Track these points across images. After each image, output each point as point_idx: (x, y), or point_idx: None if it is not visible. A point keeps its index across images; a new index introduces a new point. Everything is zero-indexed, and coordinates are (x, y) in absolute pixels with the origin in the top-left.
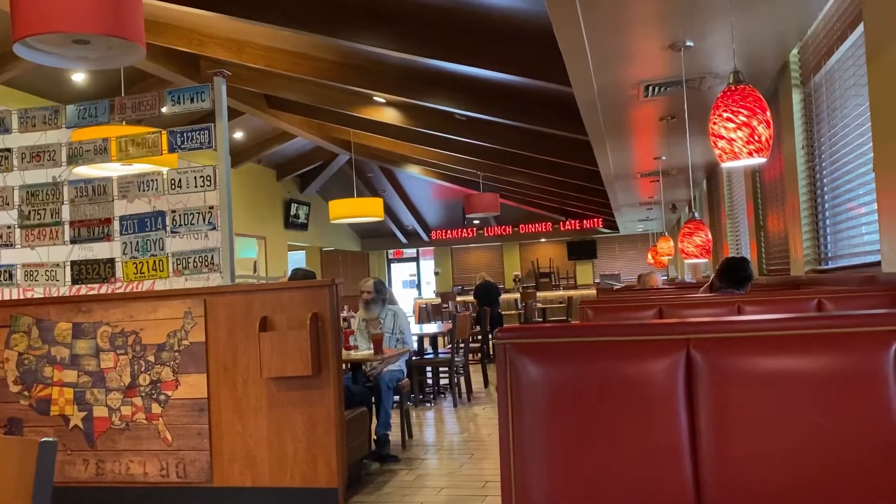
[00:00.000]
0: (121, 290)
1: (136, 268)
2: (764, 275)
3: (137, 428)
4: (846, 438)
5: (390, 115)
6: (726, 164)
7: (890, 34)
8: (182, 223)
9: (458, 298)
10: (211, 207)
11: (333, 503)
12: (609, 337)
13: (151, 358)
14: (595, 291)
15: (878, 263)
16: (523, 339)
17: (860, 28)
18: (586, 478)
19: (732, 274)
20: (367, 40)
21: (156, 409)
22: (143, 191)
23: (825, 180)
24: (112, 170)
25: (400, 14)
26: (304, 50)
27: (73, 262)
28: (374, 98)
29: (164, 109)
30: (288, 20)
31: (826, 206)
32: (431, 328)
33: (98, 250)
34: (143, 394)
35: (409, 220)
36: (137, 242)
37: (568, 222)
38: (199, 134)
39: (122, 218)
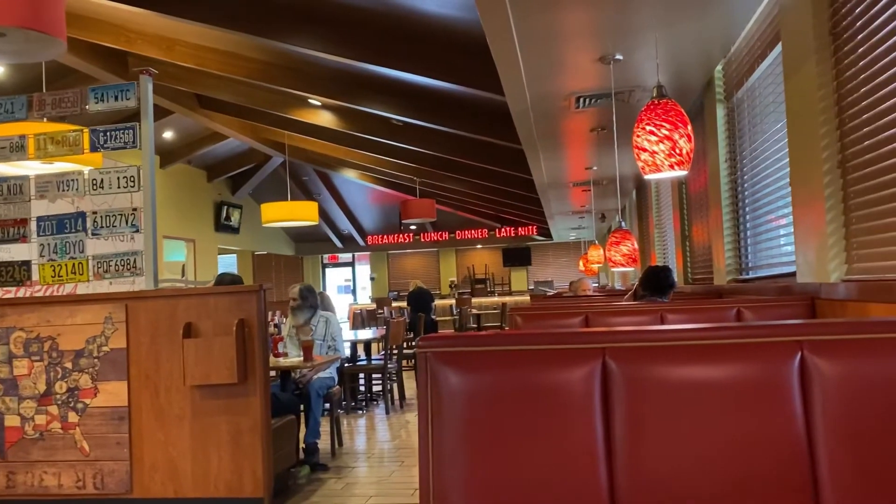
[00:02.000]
0: (40, 294)
1: (53, 270)
2: (689, 284)
3: (52, 438)
4: (755, 447)
5: (326, 119)
6: (649, 176)
7: (805, 55)
8: (104, 225)
9: (394, 304)
10: (134, 209)
11: None
12: (527, 346)
13: (69, 364)
14: (529, 297)
15: (794, 274)
16: (444, 348)
17: (779, 47)
18: (504, 486)
19: (655, 282)
20: (301, 42)
21: (73, 417)
22: (63, 191)
23: (746, 193)
24: (32, 168)
25: (335, 17)
26: (237, 49)
27: None
28: (310, 100)
29: (87, 107)
30: (219, 18)
31: (747, 217)
32: (366, 334)
33: (17, 252)
34: (60, 402)
35: (345, 225)
36: (55, 244)
37: (503, 229)
38: (123, 133)
39: (39, 219)
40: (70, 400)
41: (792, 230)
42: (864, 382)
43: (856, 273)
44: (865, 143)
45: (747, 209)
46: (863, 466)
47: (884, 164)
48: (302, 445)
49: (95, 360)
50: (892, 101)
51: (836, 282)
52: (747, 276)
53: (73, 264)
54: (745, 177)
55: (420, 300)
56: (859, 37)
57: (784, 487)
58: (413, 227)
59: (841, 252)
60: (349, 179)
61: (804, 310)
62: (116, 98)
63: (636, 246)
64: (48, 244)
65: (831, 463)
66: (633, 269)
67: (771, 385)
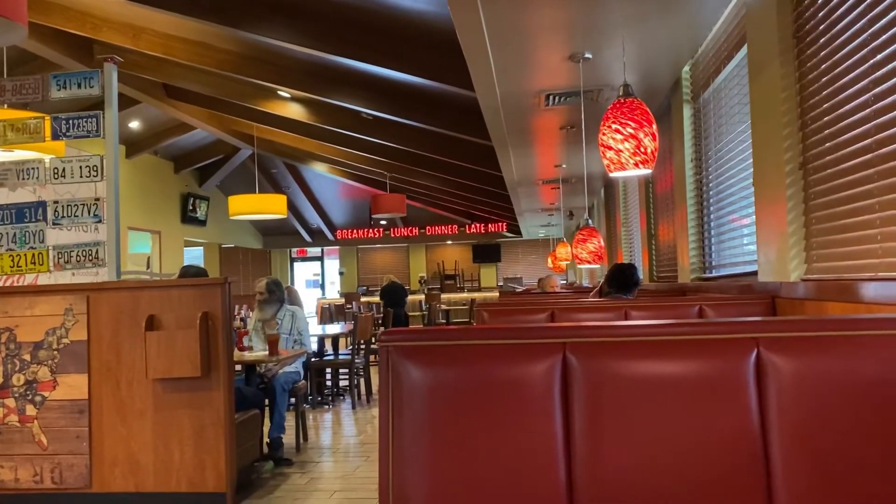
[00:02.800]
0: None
1: (12, 261)
2: (654, 281)
3: (9, 431)
4: (711, 441)
5: (296, 111)
6: (614, 174)
7: (770, 57)
8: (65, 215)
9: (363, 299)
10: (97, 199)
11: None
12: (488, 340)
13: (27, 357)
14: (498, 294)
15: (756, 273)
16: (406, 343)
17: (745, 49)
18: (463, 481)
19: (620, 279)
20: (271, 34)
21: (30, 410)
22: (24, 179)
23: (711, 193)
24: None
25: (307, 8)
26: (206, 39)
27: None
28: (279, 92)
29: (49, 94)
30: (188, 8)
31: (711, 217)
32: (334, 329)
33: None
34: (17, 395)
35: (314, 219)
36: (14, 234)
37: (474, 226)
38: (86, 121)
39: None
40: (28, 392)
41: (754, 230)
42: (817, 379)
43: (815, 273)
44: (826, 144)
45: (712, 209)
46: (815, 461)
47: (843, 167)
48: (266, 440)
49: (55, 352)
50: (852, 103)
51: (795, 281)
52: (710, 275)
53: (33, 254)
54: (710, 177)
55: (394, 295)
56: (822, 40)
57: (738, 482)
58: (383, 223)
59: (801, 252)
60: (319, 173)
61: (764, 308)
62: (80, 86)
63: (602, 243)
64: (7, 233)
65: (784, 458)
66: (599, 265)
67: (727, 381)
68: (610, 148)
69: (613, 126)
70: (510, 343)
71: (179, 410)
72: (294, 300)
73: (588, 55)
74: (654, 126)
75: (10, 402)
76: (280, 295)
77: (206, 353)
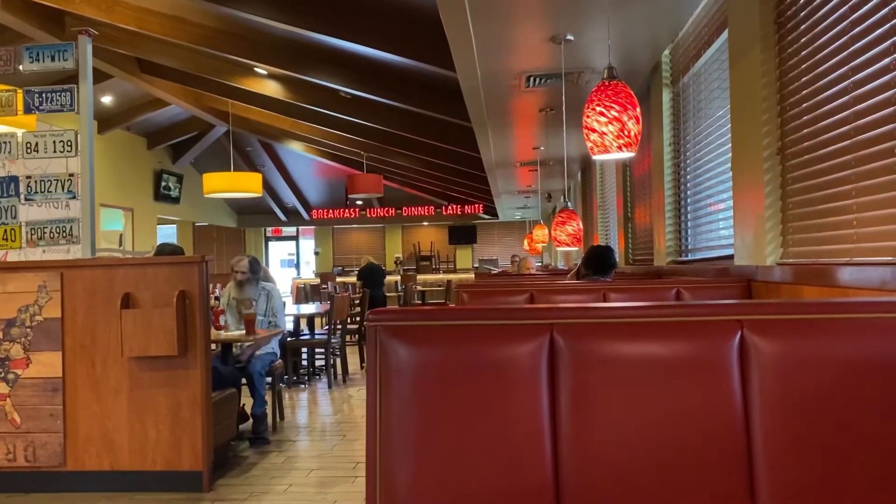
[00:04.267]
0: None
1: None
2: (630, 264)
3: None
4: (695, 422)
5: (272, 88)
6: (597, 157)
7: (750, 42)
8: (38, 190)
9: (339, 279)
10: (71, 175)
11: (198, 486)
12: (478, 321)
13: None
14: (473, 275)
15: (732, 257)
16: (395, 322)
17: (725, 34)
18: (450, 458)
19: (598, 262)
20: (248, 8)
21: (3, 388)
22: None
23: (689, 177)
24: None
25: None
26: (181, 13)
27: None
28: (256, 69)
29: (21, 67)
30: None
31: (688, 201)
32: (309, 309)
33: None
34: None
35: (290, 198)
36: None
37: (450, 207)
38: (59, 95)
39: None
40: (0, 370)
41: (730, 214)
42: (799, 361)
43: (790, 257)
44: (804, 131)
45: (689, 193)
46: (795, 440)
47: (820, 153)
48: (250, 415)
49: (28, 329)
50: (830, 90)
51: (771, 265)
52: (686, 258)
53: (6, 230)
54: (688, 161)
55: (371, 276)
56: (802, 27)
57: (721, 461)
58: (359, 203)
59: (777, 237)
60: (295, 152)
61: (741, 291)
62: (53, 58)
63: (581, 226)
64: None
65: (765, 438)
66: (576, 248)
67: (712, 362)
68: (594, 130)
69: (598, 109)
70: (499, 324)
71: (156, 389)
72: (267, 277)
73: (570, 37)
74: (638, 109)
75: None
76: (260, 274)
77: (183, 331)
